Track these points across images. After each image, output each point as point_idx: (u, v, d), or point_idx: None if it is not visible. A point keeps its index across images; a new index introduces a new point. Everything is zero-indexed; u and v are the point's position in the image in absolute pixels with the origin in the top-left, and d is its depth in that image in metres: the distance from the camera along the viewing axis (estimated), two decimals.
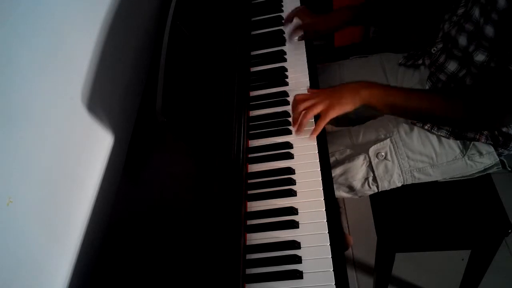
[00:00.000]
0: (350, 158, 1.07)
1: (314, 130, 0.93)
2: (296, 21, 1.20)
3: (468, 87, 0.96)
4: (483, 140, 1.00)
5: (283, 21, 1.23)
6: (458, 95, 0.90)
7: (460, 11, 0.98)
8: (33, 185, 0.68)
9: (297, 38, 1.18)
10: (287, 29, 1.21)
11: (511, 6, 0.80)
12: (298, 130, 0.94)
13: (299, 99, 0.95)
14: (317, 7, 1.24)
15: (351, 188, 1.08)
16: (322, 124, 0.92)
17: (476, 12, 0.90)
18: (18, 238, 0.64)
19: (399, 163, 1.04)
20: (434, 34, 1.09)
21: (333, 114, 0.91)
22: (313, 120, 0.95)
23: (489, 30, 0.86)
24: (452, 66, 1.00)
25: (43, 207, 0.70)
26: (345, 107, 0.91)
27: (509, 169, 1.04)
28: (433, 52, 1.07)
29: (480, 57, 0.90)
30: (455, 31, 0.98)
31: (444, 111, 0.89)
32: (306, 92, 1.02)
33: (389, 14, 1.20)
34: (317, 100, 0.92)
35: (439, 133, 1.02)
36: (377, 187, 1.06)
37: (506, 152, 1.02)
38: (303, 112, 0.93)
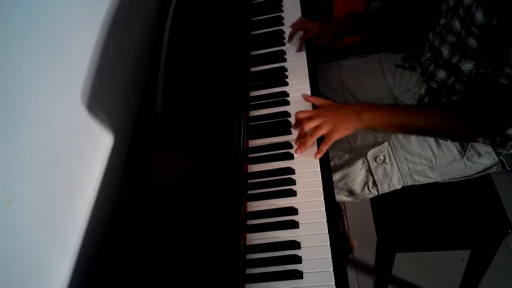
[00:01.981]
0: (349, 162, 1.06)
1: (318, 153, 0.91)
2: (299, 33, 1.18)
3: (464, 100, 0.98)
4: (480, 141, 1.00)
5: (283, 20, 1.23)
6: (457, 110, 0.92)
7: (442, 21, 0.98)
8: (33, 185, 0.68)
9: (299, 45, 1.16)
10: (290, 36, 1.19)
11: (489, 21, 0.81)
12: (301, 150, 0.92)
13: (302, 118, 0.93)
14: (317, 14, 1.24)
15: (351, 192, 1.08)
16: (326, 147, 0.91)
17: (457, 24, 0.91)
18: (18, 238, 0.64)
19: (398, 166, 1.04)
20: (423, 42, 1.10)
21: (336, 137, 0.91)
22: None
23: (472, 42, 0.87)
24: (441, 74, 1.01)
25: (43, 207, 0.70)
26: (348, 131, 0.91)
27: (509, 168, 1.05)
28: (423, 61, 1.08)
29: (467, 66, 0.91)
30: (438, 42, 0.99)
31: (445, 127, 0.91)
32: (302, 96, 1.02)
33: (388, 22, 1.22)
34: (322, 120, 0.91)
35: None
36: (377, 190, 1.06)
37: (504, 151, 1.02)
38: (308, 132, 0.91)
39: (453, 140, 1.02)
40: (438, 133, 0.99)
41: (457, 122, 0.90)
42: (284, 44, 1.17)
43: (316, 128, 0.91)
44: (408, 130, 0.97)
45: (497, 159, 1.02)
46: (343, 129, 0.91)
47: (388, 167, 1.04)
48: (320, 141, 0.92)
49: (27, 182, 0.67)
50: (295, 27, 1.17)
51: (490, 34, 0.82)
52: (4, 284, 0.61)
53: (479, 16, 0.82)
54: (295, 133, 0.96)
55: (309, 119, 0.92)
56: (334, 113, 0.92)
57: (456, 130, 0.92)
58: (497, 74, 0.83)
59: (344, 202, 1.68)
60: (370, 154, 1.04)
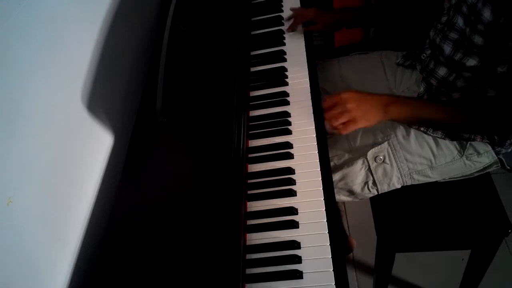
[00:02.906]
0: (349, 162, 1.06)
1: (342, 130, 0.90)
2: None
3: (486, 98, 0.97)
4: (478, 140, 1.00)
5: (283, 20, 1.23)
6: (479, 107, 0.91)
7: (444, 18, 0.98)
8: (33, 185, 0.68)
9: (296, 29, 1.19)
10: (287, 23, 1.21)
11: (497, 19, 0.81)
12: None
13: (326, 106, 0.92)
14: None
15: (351, 192, 1.08)
16: (347, 131, 0.90)
17: (460, 21, 0.91)
18: (18, 238, 0.64)
19: (398, 166, 1.04)
20: (424, 39, 1.10)
21: (355, 127, 0.89)
22: None
23: (478, 39, 0.87)
24: (442, 71, 1.01)
25: (43, 207, 0.70)
26: (369, 122, 0.90)
27: (508, 167, 1.05)
28: (423, 58, 1.08)
29: (471, 62, 0.91)
30: (439, 39, 0.99)
31: (471, 123, 0.92)
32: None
33: (387, 17, 1.22)
34: (344, 108, 0.89)
35: (434, 135, 1.02)
36: (377, 190, 1.06)
37: (503, 150, 1.02)
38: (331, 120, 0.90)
39: (469, 134, 1.02)
40: (462, 129, 1.00)
41: (482, 118, 0.91)
42: (284, 44, 1.17)
43: (337, 115, 0.89)
44: (432, 124, 0.99)
45: (496, 157, 1.02)
46: (365, 120, 0.89)
47: (388, 167, 1.04)
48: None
49: (27, 182, 0.67)
50: (293, 15, 1.20)
51: (497, 32, 0.82)
52: (4, 284, 0.61)
53: (486, 14, 0.82)
54: (295, 133, 0.96)
55: (333, 108, 0.90)
56: (359, 103, 0.89)
57: (480, 126, 0.94)
58: (510, 74, 0.83)
59: (344, 202, 1.68)
60: (370, 154, 1.04)
